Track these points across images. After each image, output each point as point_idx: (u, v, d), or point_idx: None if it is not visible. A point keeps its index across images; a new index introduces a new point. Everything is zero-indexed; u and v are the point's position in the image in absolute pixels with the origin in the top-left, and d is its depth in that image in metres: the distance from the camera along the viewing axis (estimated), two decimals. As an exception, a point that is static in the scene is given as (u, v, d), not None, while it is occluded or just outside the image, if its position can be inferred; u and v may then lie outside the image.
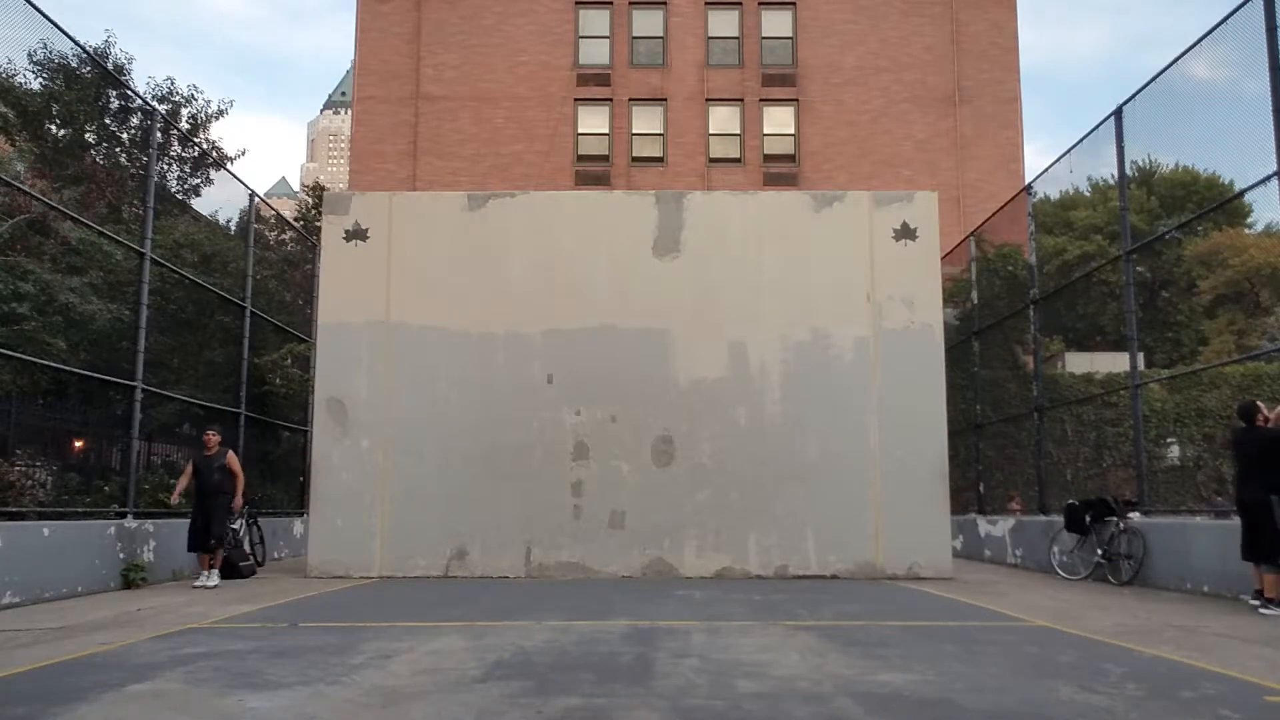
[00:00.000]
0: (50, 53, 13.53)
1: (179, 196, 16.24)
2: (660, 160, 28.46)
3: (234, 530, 12.37)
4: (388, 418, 11.88)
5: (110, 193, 13.79)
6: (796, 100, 28.59)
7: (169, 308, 13.30)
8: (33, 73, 13.77)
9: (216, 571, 10.52)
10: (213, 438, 10.90)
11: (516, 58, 28.69)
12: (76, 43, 11.10)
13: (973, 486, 16.47)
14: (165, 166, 15.72)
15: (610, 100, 28.79)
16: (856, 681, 4.91)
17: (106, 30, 48.03)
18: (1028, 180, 17.35)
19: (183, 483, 10.71)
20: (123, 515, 10.39)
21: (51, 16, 9.59)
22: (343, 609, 8.46)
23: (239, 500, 10.89)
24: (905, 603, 9.06)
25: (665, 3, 29.16)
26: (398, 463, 11.79)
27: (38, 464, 11.24)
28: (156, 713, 4.28)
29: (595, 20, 29.16)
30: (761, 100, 28.70)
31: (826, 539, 11.67)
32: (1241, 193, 10.15)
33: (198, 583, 10.25)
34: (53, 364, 10.21)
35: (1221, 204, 20.91)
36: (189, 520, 10.72)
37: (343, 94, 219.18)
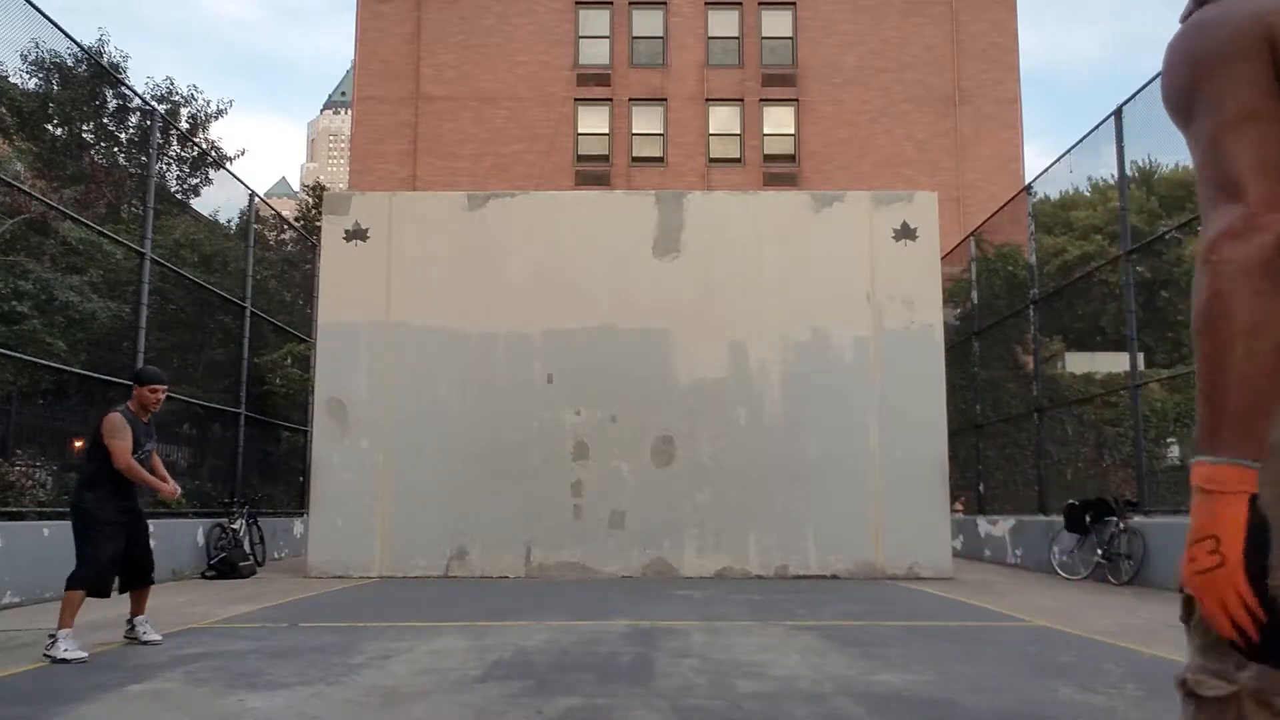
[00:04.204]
0: (44, 52, 13.53)
1: (178, 196, 16.24)
2: (660, 160, 28.46)
3: (234, 530, 12.37)
4: (388, 418, 11.88)
5: (109, 192, 13.78)
6: (796, 100, 28.58)
7: (169, 307, 13.30)
8: (27, 72, 13.77)
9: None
10: (154, 390, 6.62)
11: (516, 58, 28.69)
12: (74, 40, 11.09)
13: (973, 486, 16.46)
14: (165, 166, 15.71)
15: (610, 100, 28.79)
16: (856, 681, 4.90)
17: (100, 28, 48.01)
18: (1028, 180, 17.35)
19: (158, 477, 6.50)
20: (123, 515, 10.35)
21: (49, 15, 9.60)
22: (343, 609, 8.46)
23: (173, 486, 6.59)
24: (905, 603, 9.06)
25: (665, 3, 29.15)
26: (398, 463, 11.79)
27: (38, 464, 11.23)
28: (156, 713, 4.28)
29: (595, 20, 29.16)
30: (761, 100, 28.69)
31: (826, 539, 11.67)
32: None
33: (63, 653, 5.58)
34: (53, 364, 10.21)
35: (1221, 204, 20.87)
36: (95, 537, 6.07)
37: (343, 94, 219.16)
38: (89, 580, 5.99)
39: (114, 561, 6.14)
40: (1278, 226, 1.19)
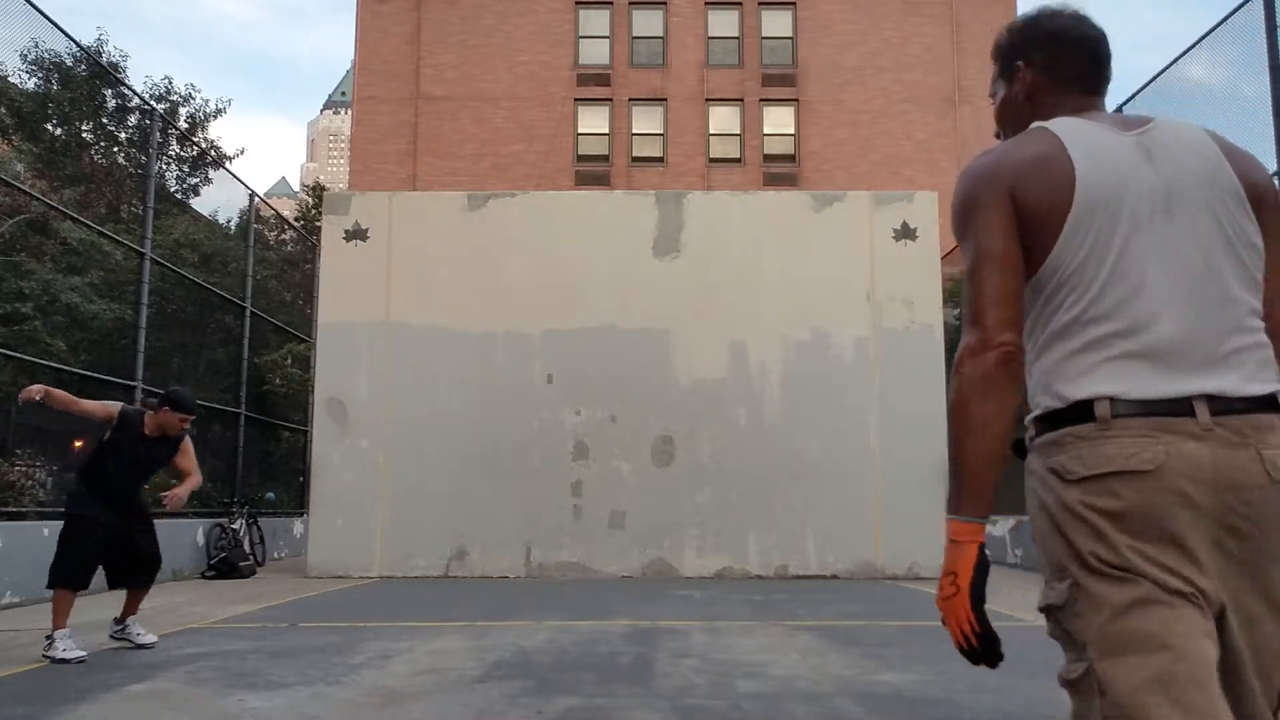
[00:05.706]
0: (44, 52, 13.53)
1: (178, 196, 16.25)
2: (660, 160, 28.45)
3: (234, 530, 12.37)
4: (388, 418, 11.88)
5: (109, 192, 13.79)
6: (796, 100, 28.58)
7: (169, 308, 13.30)
8: (27, 72, 13.78)
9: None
10: (184, 420, 6.21)
11: (516, 58, 28.68)
12: (74, 40, 11.09)
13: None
14: (164, 166, 15.72)
15: (610, 100, 28.78)
16: (856, 681, 4.90)
17: (99, 28, 48.07)
18: (1028, 180, 17.32)
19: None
20: (123, 515, 10.36)
21: (49, 15, 9.61)
22: (343, 609, 8.46)
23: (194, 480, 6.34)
24: (905, 603, 9.06)
25: (665, 3, 29.15)
26: (398, 463, 11.78)
27: (37, 464, 11.23)
28: (156, 713, 4.28)
29: (595, 20, 29.16)
30: (761, 100, 28.69)
31: (826, 539, 11.67)
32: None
33: (61, 653, 5.54)
34: (53, 364, 10.21)
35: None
36: (74, 532, 5.92)
37: (343, 94, 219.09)
38: (61, 577, 5.84)
39: (89, 560, 5.93)
40: (1004, 347, 1.54)
